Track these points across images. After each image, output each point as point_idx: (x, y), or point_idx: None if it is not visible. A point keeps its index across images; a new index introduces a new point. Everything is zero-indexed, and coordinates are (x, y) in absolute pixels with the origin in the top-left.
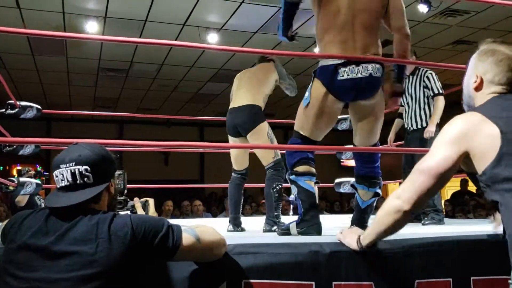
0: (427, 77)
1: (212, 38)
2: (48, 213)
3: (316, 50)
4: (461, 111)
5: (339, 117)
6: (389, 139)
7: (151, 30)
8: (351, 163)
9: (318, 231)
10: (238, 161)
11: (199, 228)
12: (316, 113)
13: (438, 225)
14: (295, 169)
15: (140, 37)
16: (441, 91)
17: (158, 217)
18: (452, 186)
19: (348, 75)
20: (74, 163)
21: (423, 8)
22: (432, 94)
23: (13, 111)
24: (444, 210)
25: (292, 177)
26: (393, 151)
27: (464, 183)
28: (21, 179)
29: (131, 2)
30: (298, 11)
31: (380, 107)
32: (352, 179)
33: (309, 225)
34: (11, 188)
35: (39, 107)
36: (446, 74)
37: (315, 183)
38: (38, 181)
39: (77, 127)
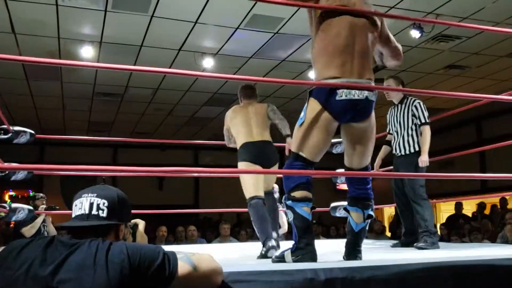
0: (415, 106)
1: (208, 63)
2: (48, 242)
3: (311, 73)
4: (454, 134)
5: (334, 140)
6: (376, 165)
7: (147, 55)
8: (346, 186)
9: (313, 259)
10: (261, 185)
11: (196, 256)
12: (314, 132)
13: (432, 249)
14: (292, 194)
15: (135, 62)
16: (427, 121)
17: (153, 245)
18: (447, 209)
19: (346, 96)
20: (95, 195)
21: (415, 34)
22: (419, 123)
23: (6, 136)
24: (439, 233)
25: (289, 202)
26: (389, 175)
27: (458, 206)
28: (13, 205)
29: (127, 27)
30: (292, 36)
31: (372, 130)
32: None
33: (304, 253)
34: (2, 214)
35: (32, 132)
36: (436, 99)
37: (311, 208)
38: (30, 207)
39: (70, 151)
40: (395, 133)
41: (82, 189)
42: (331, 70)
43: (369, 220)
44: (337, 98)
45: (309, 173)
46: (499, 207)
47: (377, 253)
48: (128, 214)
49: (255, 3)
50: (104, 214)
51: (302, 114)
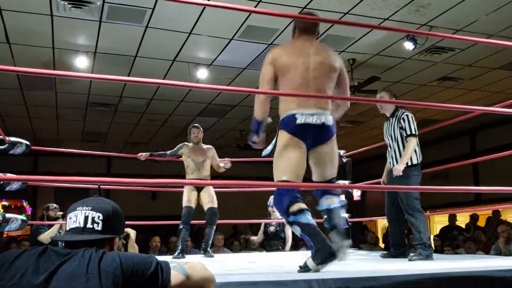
0: (403, 119)
1: (202, 74)
2: (41, 251)
3: None
4: (446, 146)
5: None
6: (382, 181)
7: (141, 66)
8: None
9: (332, 254)
10: None
11: (188, 264)
12: (288, 153)
13: (425, 261)
14: (290, 211)
15: (130, 73)
16: (413, 132)
17: (146, 254)
18: (441, 221)
19: (304, 121)
20: (90, 208)
21: (409, 46)
22: (405, 135)
23: (2, 147)
24: (433, 245)
25: (291, 218)
26: (378, 188)
27: (452, 218)
28: (7, 215)
29: (121, 38)
30: None
31: (333, 151)
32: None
33: (323, 254)
34: None
35: (28, 143)
36: (430, 111)
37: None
38: (24, 217)
39: (64, 161)
40: (389, 146)
41: (76, 199)
42: (293, 104)
43: (344, 203)
44: (297, 122)
45: (300, 186)
46: (492, 218)
47: (371, 264)
48: (122, 226)
49: (249, 14)
50: (99, 228)
51: (269, 146)
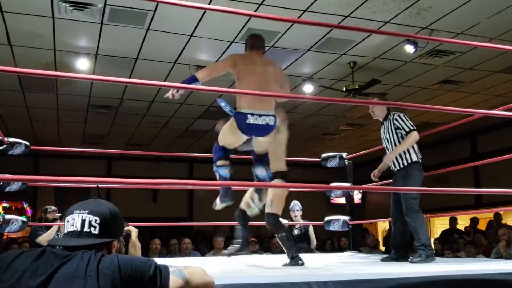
0: (396, 119)
1: None
2: (40, 253)
3: (306, 87)
4: (447, 149)
5: (328, 155)
6: (373, 174)
7: (142, 68)
8: (341, 200)
9: (229, 198)
10: None
11: (188, 269)
12: (229, 135)
13: (427, 263)
14: (217, 163)
15: (131, 75)
16: (412, 128)
17: (145, 258)
18: (441, 224)
19: (254, 122)
20: (87, 211)
21: (410, 49)
22: (405, 132)
23: (0, 147)
24: (433, 248)
25: (216, 168)
26: (377, 190)
27: (453, 221)
28: (7, 216)
29: (123, 40)
30: (287, 50)
31: (273, 143)
32: (342, 217)
33: (224, 195)
34: None
35: (27, 143)
36: (431, 114)
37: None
38: (24, 219)
39: (65, 163)
40: (386, 150)
41: (76, 201)
42: (245, 104)
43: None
44: (247, 121)
45: (301, 186)
46: (494, 222)
47: (371, 267)
48: (121, 229)
49: (250, 17)
50: (96, 231)
51: (227, 109)
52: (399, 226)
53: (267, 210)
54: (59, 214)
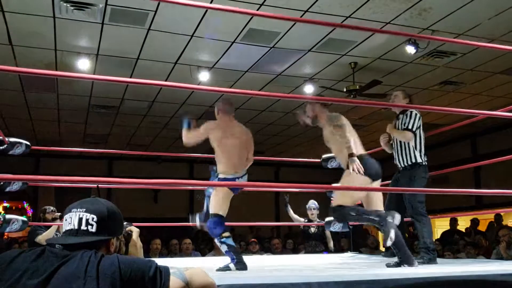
0: (406, 115)
1: (203, 77)
2: (40, 252)
3: (307, 88)
4: (447, 150)
5: (329, 155)
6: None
7: (143, 68)
8: None
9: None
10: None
11: (189, 270)
12: (226, 200)
13: (428, 265)
14: (223, 235)
15: (131, 75)
16: (410, 127)
17: (146, 259)
18: (442, 225)
19: (239, 180)
20: (84, 210)
21: (410, 50)
22: (403, 127)
23: (1, 147)
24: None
25: (223, 239)
26: (379, 190)
27: (453, 222)
28: (7, 216)
29: (124, 40)
30: (288, 51)
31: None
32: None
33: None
34: None
35: (28, 143)
36: (431, 115)
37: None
38: (25, 218)
39: (65, 163)
40: (394, 145)
41: (76, 201)
42: (232, 170)
43: None
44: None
45: (301, 186)
46: (494, 223)
47: (372, 268)
48: (120, 227)
49: (251, 17)
50: (93, 229)
51: (211, 189)
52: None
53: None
54: (59, 214)
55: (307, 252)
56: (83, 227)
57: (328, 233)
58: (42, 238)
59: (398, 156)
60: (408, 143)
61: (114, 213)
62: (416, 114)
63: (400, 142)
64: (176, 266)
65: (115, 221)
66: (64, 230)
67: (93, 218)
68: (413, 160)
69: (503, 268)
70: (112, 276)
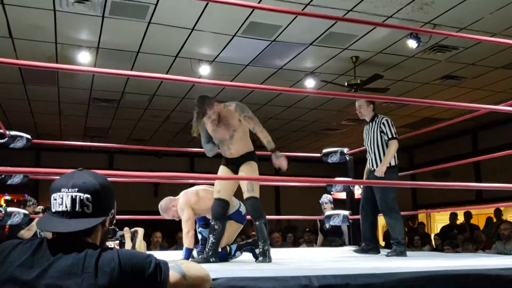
0: (383, 124)
1: (204, 70)
2: (37, 245)
3: (308, 82)
4: (448, 145)
5: (329, 150)
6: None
7: (144, 62)
8: (341, 195)
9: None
10: None
11: (185, 264)
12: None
13: (400, 257)
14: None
15: (132, 68)
16: (394, 136)
17: (146, 253)
18: (442, 220)
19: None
20: (77, 189)
21: (412, 44)
22: (386, 139)
23: (2, 141)
24: (433, 243)
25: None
26: (379, 184)
27: (453, 217)
28: (9, 209)
29: (124, 34)
30: (289, 44)
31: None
32: (343, 212)
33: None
34: None
35: (29, 136)
36: (433, 109)
37: None
38: (26, 211)
39: (66, 156)
40: (369, 149)
41: None
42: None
43: None
44: (243, 214)
45: (302, 180)
46: (493, 218)
47: (371, 261)
48: (112, 202)
49: (252, 10)
50: (90, 210)
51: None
52: (370, 220)
53: (249, 194)
54: (41, 207)
55: (326, 246)
56: (78, 208)
57: (344, 228)
58: (25, 232)
59: (373, 160)
60: (385, 149)
61: (106, 187)
62: (390, 121)
63: (378, 148)
64: (173, 260)
65: (109, 196)
66: (54, 210)
67: (87, 198)
68: (389, 165)
69: (502, 262)
70: (111, 273)
